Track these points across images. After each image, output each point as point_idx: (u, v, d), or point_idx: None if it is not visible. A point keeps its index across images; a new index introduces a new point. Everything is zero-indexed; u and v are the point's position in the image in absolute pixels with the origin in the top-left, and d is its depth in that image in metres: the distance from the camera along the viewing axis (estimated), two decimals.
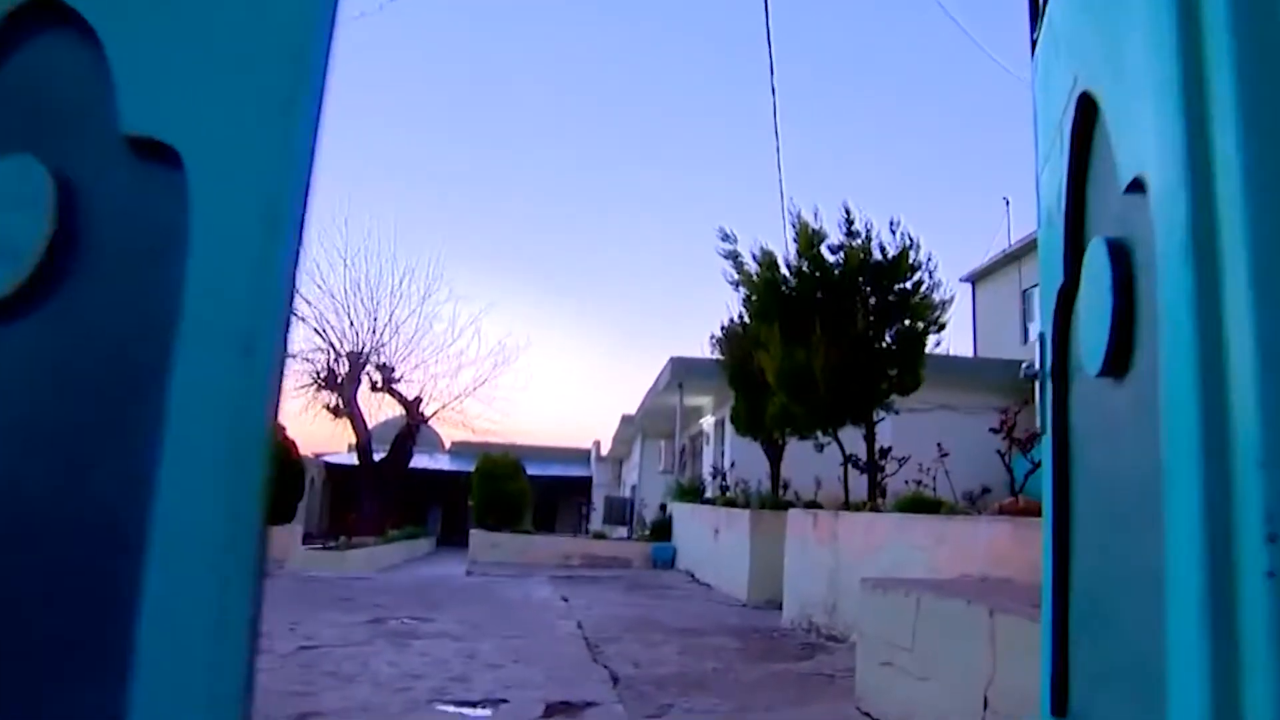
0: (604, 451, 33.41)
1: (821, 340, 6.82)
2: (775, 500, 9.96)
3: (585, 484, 35.89)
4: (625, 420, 23.96)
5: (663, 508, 19.98)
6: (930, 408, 12.88)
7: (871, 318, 7.09)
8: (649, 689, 5.00)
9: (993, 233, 40.11)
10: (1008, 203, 24.09)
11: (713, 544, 11.36)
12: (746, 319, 9.92)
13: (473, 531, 13.95)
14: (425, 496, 34.63)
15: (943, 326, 7.47)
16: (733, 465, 13.25)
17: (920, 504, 5.80)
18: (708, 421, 18.18)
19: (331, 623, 7.26)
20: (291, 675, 5.12)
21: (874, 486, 7.40)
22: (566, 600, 9.46)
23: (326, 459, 36.56)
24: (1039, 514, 5.78)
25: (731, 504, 11.48)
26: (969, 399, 15.85)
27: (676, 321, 58.95)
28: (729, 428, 15.79)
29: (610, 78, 45.16)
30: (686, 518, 13.91)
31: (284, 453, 13.43)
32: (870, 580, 4.46)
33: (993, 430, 7.47)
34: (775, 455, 10.34)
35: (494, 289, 54.03)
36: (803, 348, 6.90)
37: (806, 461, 10.96)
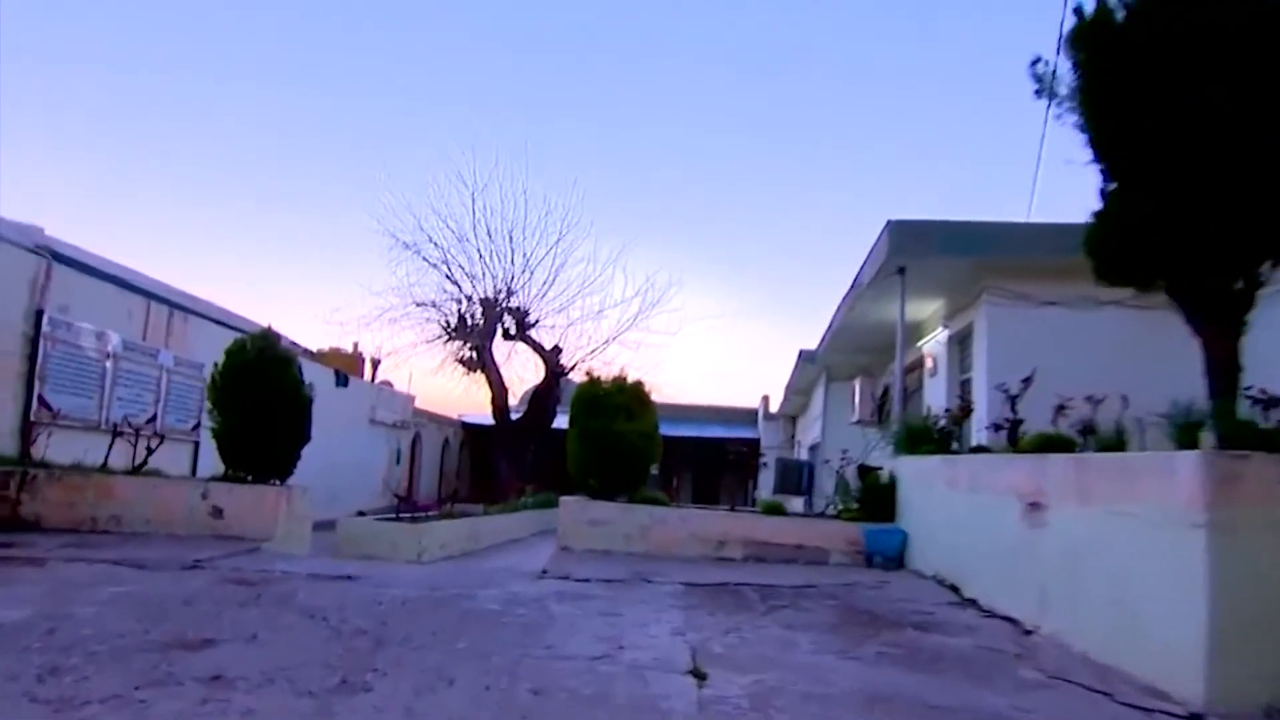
0: (774, 408, 27.30)
1: None
2: (1242, 428, 3.68)
3: (752, 447, 29.97)
4: (803, 359, 17.79)
5: (863, 472, 13.87)
6: None
7: None
8: None
9: None
10: None
11: (1017, 534, 5.21)
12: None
13: (563, 501, 8.44)
14: None
15: None
16: (1028, 380, 6.93)
17: None
18: (936, 340, 11.74)
19: None
20: None
21: None
22: (701, 677, 3.67)
23: (465, 419, 32.73)
24: None
25: (1051, 445, 5.30)
26: None
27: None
28: (984, 334, 9.37)
29: None
30: (925, 482, 7.76)
31: (265, 368, 8.39)
32: None
33: None
34: (1228, 318, 3.95)
35: (638, 219, 47.82)
36: None
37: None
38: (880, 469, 13.39)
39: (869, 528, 8.32)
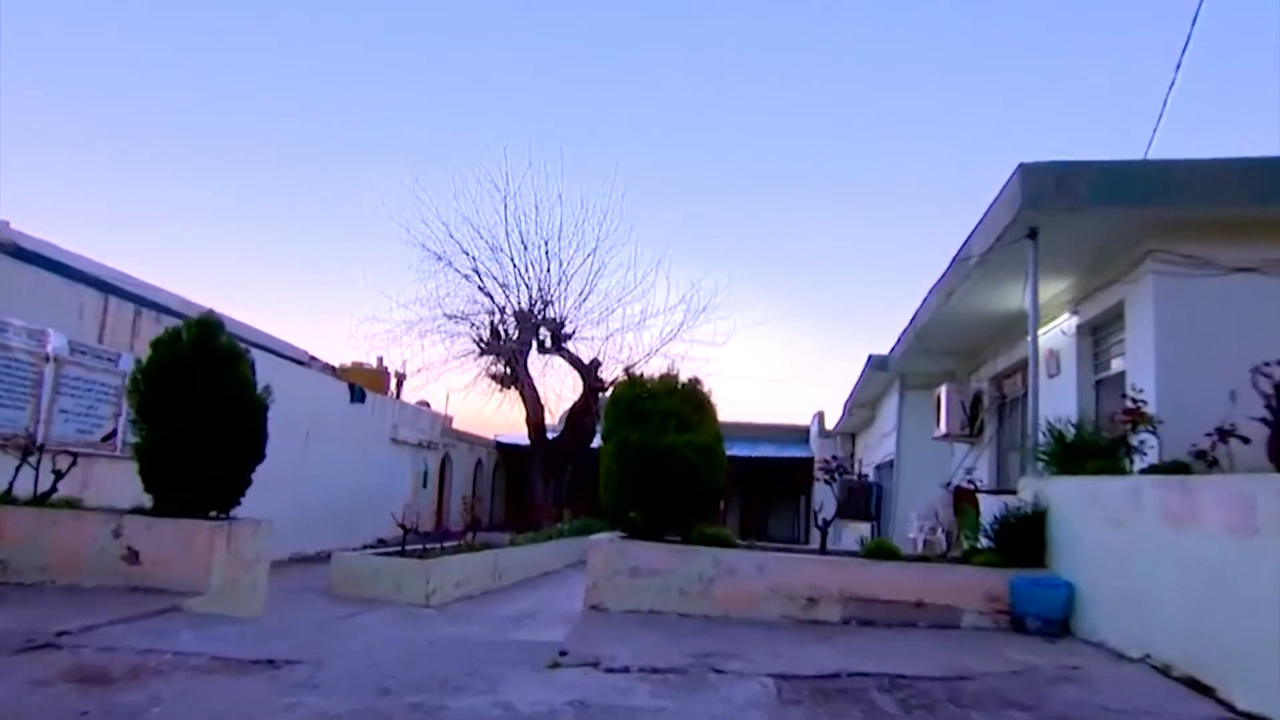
0: (829, 424, 24.79)
1: None
2: None
3: (804, 468, 27.41)
4: (872, 366, 15.34)
5: (960, 496, 11.46)
6: None
7: None
8: None
9: None
10: None
11: None
12: None
13: (592, 543, 6.12)
14: None
15: None
16: None
17: None
18: (1060, 331, 9.22)
19: None
20: None
21: None
22: None
23: (500, 439, 30.63)
24: None
25: None
26: None
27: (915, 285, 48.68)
28: (1148, 313, 6.92)
29: None
30: (1107, 514, 5.34)
31: (203, 364, 6.27)
32: None
33: None
34: None
35: (677, 226, 44.63)
36: None
37: None
38: (980, 490, 10.90)
39: (1018, 578, 5.89)
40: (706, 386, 6.52)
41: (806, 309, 50.33)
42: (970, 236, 8.55)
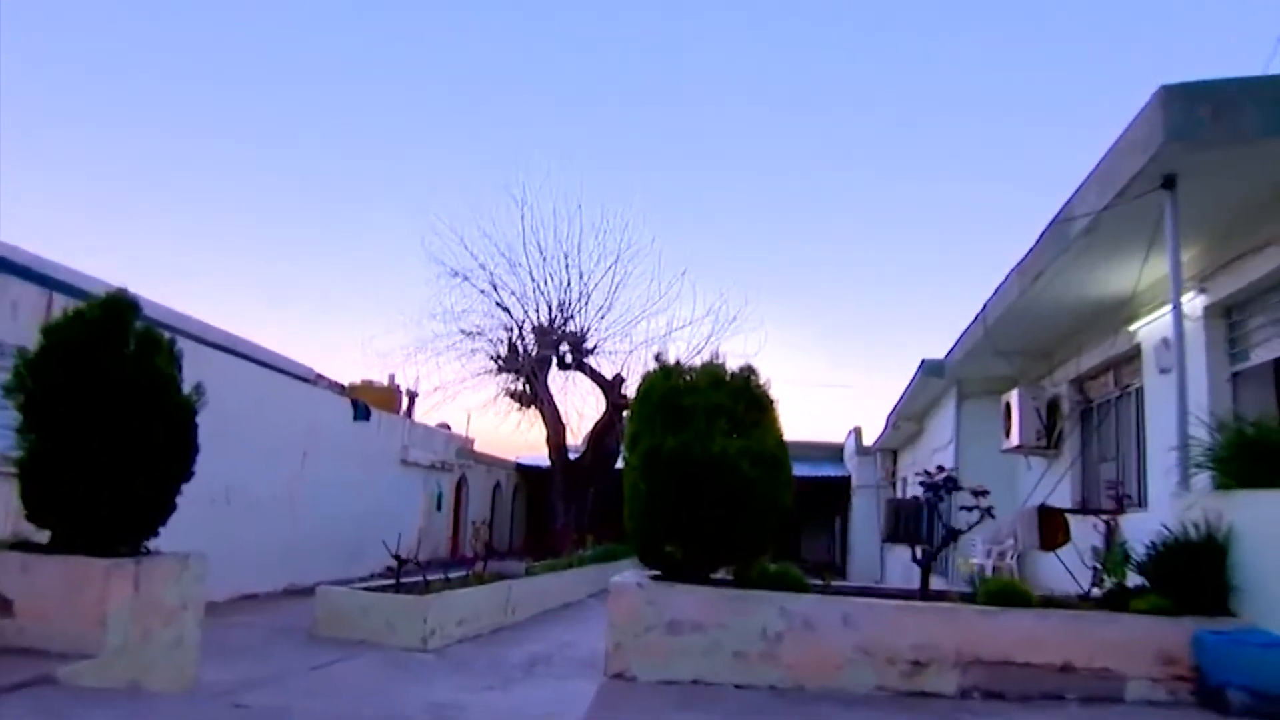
0: (867, 440, 23.01)
1: None
2: None
3: (838, 488, 25.65)
4: (925, 371, 13.61)
5: (1045, 516, 9.78)
6: None
7: None
8: None
9: None
10: None
11: None
12: None
13: (614, 588, 4.51)
14: None
15: None
16: None
17: None
18: (1190, 310, 7.46)
19: None
20: None
21: None
22: None
23: (520, 461, 29.05)
24: None
25: None
26: None
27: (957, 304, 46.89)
28: None
29: None
30: None
31: (111, 355, 4.76)
32: None
33: None
34: None
35: (706, 236, 42.47)
36: None
37: None
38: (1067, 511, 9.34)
39: (1205, 632, 4.18)
40: (764, 378, 4.90)
41: (835, 325, 48.56)
42: (1073, 197, 6.89)
